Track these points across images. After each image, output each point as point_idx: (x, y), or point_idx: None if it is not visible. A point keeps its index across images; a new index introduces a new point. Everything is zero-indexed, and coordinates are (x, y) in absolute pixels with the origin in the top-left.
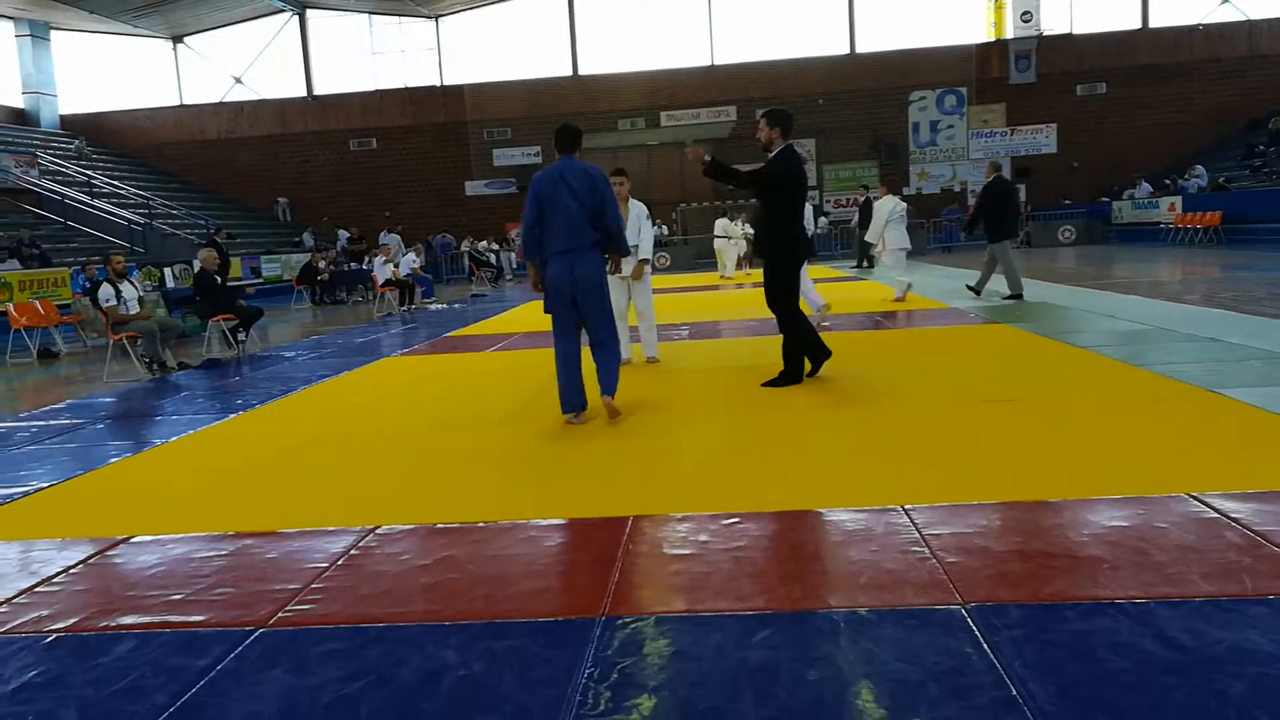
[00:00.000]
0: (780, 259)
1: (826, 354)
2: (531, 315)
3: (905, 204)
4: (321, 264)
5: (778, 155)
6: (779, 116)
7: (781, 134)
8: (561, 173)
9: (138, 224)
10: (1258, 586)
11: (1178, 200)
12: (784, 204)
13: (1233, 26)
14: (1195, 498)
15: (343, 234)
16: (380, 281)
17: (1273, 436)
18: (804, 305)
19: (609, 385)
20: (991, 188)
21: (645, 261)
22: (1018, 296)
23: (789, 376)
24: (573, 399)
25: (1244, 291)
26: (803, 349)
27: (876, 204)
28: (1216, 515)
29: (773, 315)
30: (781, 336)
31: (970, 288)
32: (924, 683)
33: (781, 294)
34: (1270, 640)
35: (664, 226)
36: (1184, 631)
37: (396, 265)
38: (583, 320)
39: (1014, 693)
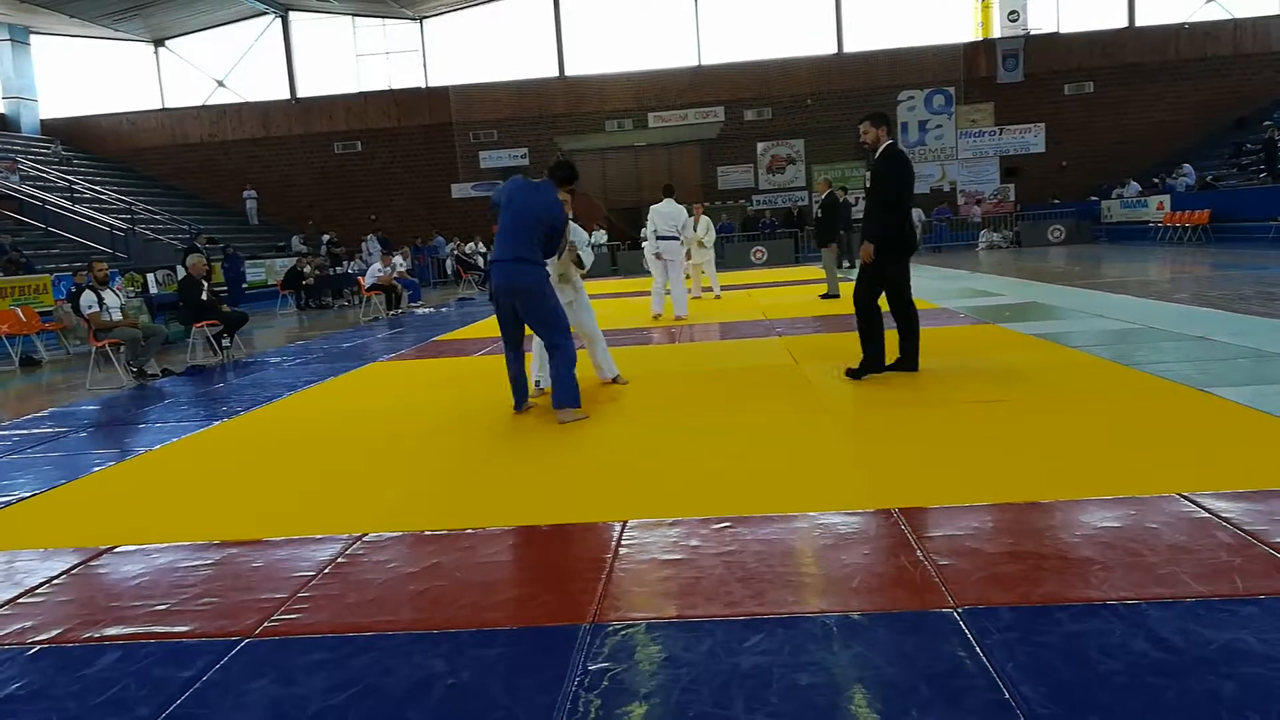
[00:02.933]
0: (902, 253)
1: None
2: None
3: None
4: (307, 269)
5: (895, 152)
6: (882, 117)
7: (887, 132)
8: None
9: (120, 229)
10: (1249, 586)
11: (1166, 199)
12: (903, 199)
13: (1218, 25)
14: (1186, 498)
15: (322, 238)
16: (366, 285)
17: (1262, 435)
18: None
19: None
20: (824, 202)
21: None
22: (833, 296)
23: (905, 361)
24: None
25: (1232, 290)
26: (876, 341)
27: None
28: (1207, 515)
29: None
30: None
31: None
32: (916, 686)
33: (879, 289)
34: (1262, 640)
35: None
36: (1176, 632)
37: (393, 270)
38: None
39: (1006, 695)
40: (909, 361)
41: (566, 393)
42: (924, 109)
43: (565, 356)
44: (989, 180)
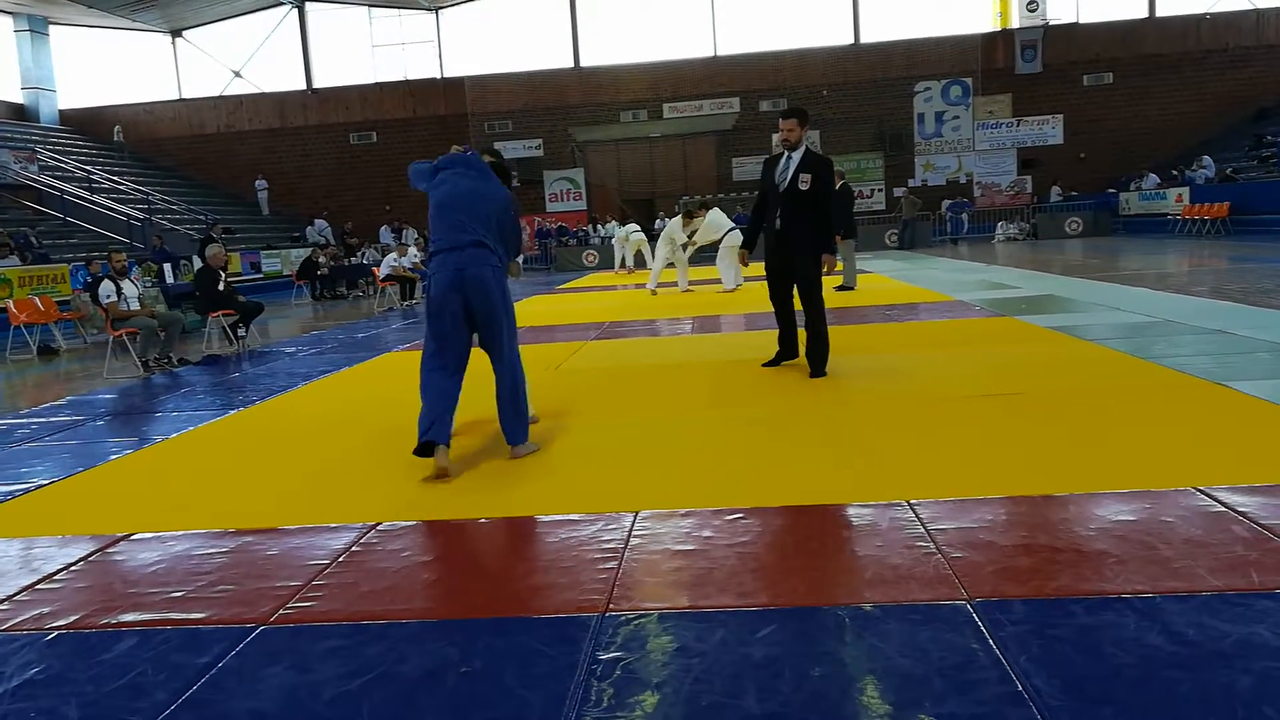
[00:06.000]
0: (820, 256)
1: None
2: (533, 310)
3: None
4: (321, 259)
5: (824, 157)
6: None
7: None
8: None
9: (137, 219)
10: (1265, 581)
11: (1185, 191)
12: (829, 202)
13: (1240, 15)
14: (1202, 491)
15: (320, 223)
16: (381, 276)
17: None
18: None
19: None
20: (838, 194)
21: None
22: (849, 288)
23: (817, 364)
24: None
25: (1251, 283)
26: (822, 333)
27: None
28: (1223, 509)
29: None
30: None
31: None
32: (929, 678)
33: (819, 288)
34: (1277, 635)
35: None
36: (1190, 626)
37: (410, 261)
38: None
39: (1020, 688)
40: (817, 364)
41: (524, 423)
42: (941, 100)
43: (522, 379)
44: (1006, 172)
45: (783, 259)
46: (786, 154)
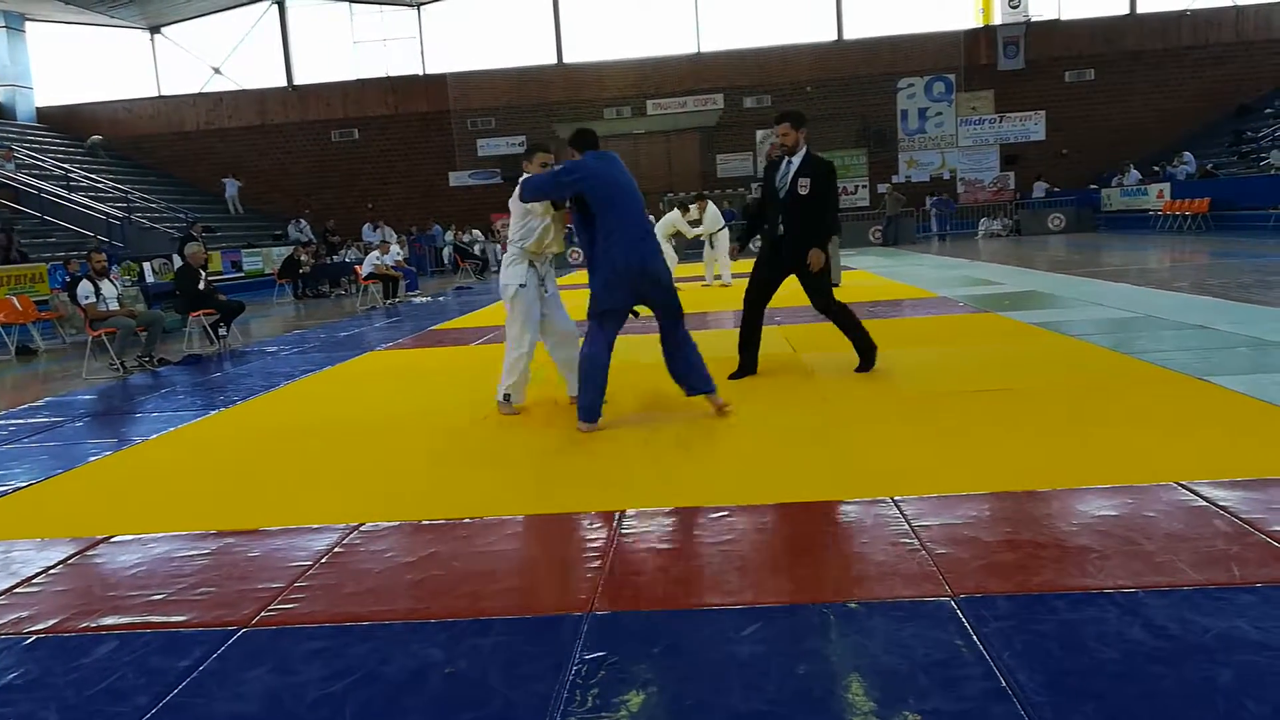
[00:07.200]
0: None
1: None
2: None
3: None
4: (303, 257)
5: (825, 160)
6: (804, 119)
7: (805, 136)
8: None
9: (116, 218)
10: (1245, 574)
11: (1166, 187)
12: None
13: (1220, 12)
14: (1184, 486)
15: (302, 224)
16: (364, 274)
17: (1261, 424)
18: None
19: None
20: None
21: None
22: (835, 285)
23: (870, 359)
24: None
25: (1232, 279)
26: (860, 329)
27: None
28: (1205, 504)
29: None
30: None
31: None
32: (913, 675)
33: (829, 286)
34: (1258, 628)
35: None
36: (1172, 620)
37: (393, 259)
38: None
39: (1003, 684)
40: (869, 357)
41: (706, 371)
42: (924, 96)
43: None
44: (989, 168)
45: (774, 269)
46: (786, 158)
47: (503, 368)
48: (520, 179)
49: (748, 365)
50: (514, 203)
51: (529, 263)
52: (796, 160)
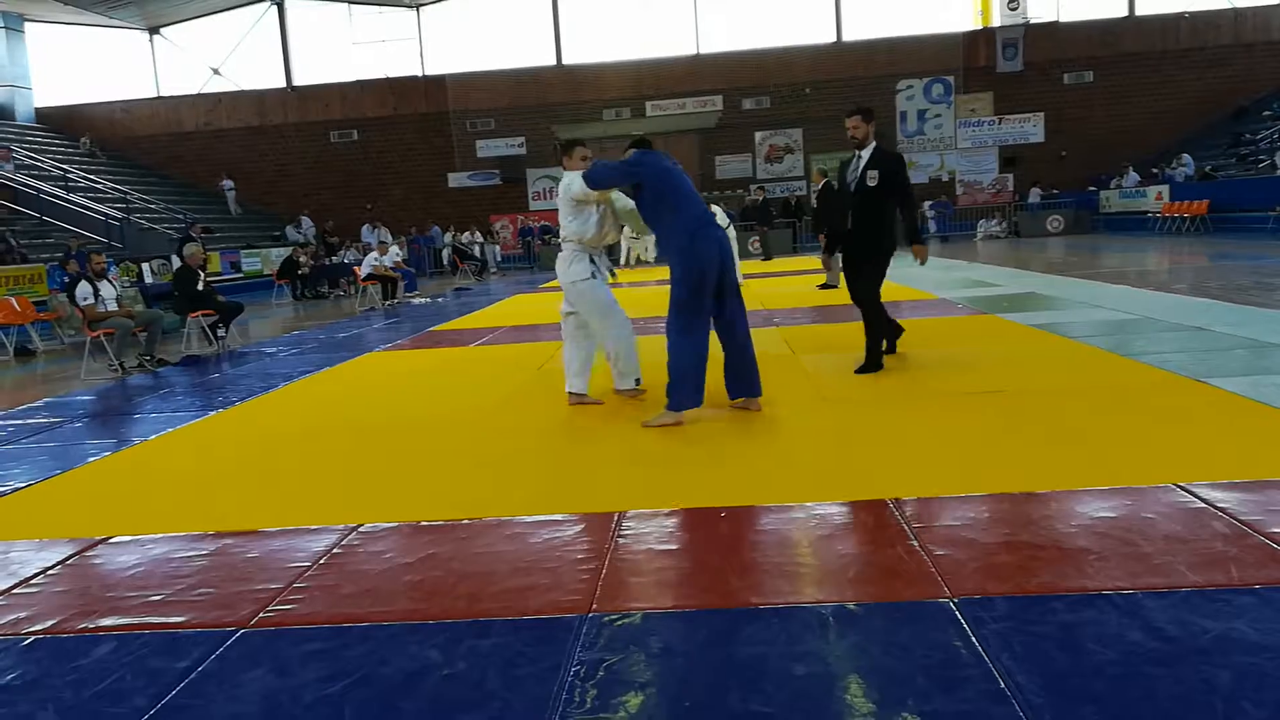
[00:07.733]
0: (888, 252)
1: (899, 330)
2: (517, 309)
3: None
4: (302, 258)
5: (893, 153)
6: (872, 113)
7: (875, 129)
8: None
9: (115, 218)
10: (1244, 576)
11: (1165, 189)
12: (905, 197)
13: (1218, 14)
14: (1182, 488)
15: (306, 221)
16: (362, 275)
17: (1259, 426)
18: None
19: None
20: (821, 192)
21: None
22: (832, 286)
23: (874, 363)
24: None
25: (1230, 280)
26: (881, 333)
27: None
28: (1203, 505)
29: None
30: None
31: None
32: (912, 676)
33: (878, 285)
34: (1256, 629)
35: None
36: (1171, 622)
37: (392, 260)
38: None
39: (1002, 685)
40: (874, 362)
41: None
42: (923, 98)
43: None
44: (988, 170)
45: (855, 258)
46: (857, 152)
47: (611, 359)
48: (563, 178)
49: (888, 347)
50: (564, 199)
51: (589, 257)
52: (866, 154)
